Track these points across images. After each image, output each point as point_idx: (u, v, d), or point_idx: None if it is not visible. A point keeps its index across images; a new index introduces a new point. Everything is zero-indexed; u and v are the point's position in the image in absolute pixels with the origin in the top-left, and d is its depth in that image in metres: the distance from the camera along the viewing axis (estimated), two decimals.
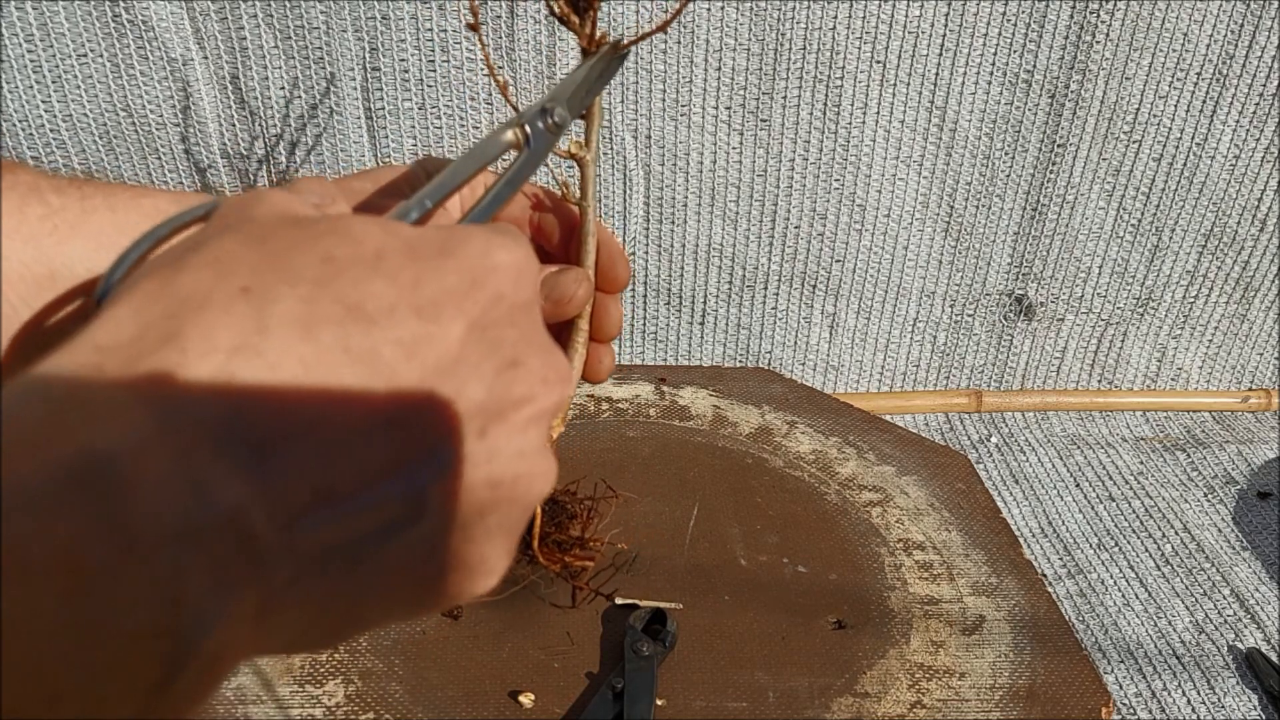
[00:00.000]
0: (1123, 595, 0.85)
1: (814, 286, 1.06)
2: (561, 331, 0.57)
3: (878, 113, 0.98)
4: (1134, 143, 1.00)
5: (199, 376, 0.25)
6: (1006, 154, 1.01)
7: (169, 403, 0.25)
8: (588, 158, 0.54)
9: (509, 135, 0.48)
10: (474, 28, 0.52)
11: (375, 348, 0.27)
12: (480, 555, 0.31)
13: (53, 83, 0.90)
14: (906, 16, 0.93)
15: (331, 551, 0.27)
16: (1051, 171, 1.01)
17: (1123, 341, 1.11)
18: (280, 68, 0.92)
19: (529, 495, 0.32)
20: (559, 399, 0.32)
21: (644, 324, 1.06)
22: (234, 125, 0.95)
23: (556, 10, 0.50)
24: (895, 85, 0.96)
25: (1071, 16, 0.94)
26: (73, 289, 0.44)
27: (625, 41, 0.53)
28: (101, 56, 0.90)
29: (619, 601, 0.72)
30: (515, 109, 0.53)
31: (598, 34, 0.50)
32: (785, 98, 0.96)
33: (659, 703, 0.65)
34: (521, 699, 0.64)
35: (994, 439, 1.06)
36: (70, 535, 0.22)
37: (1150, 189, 1.03)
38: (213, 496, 0.24)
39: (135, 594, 0.23)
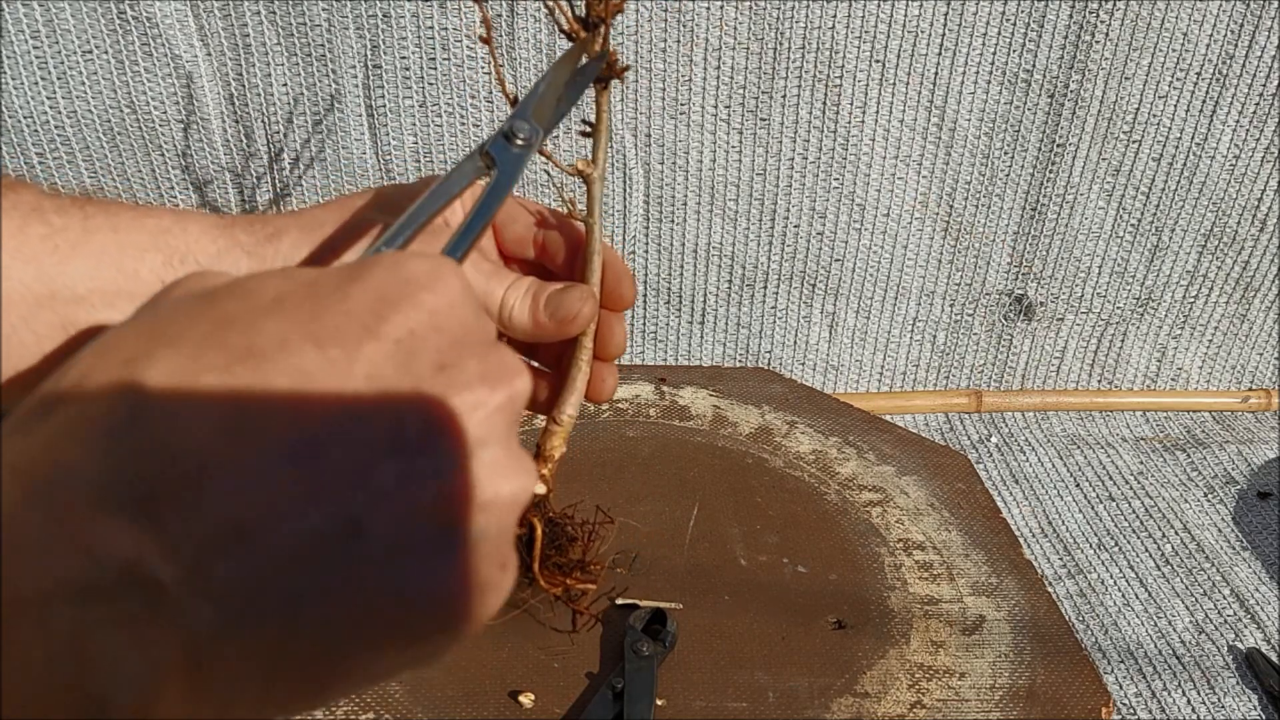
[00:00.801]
0: (1123, 595, 0.85)
1: (813, 286, 1.06)
2: (565, 350, 0.57)
3: (877, 112, 0.98)
4: (1134, 142, 1.00)
5: (72, 441, 0.25)
6: (1006, 153, 1.00)
7: (37, 470, 0.25)
8: (594, 175, 0.53)
9: (475, 163, 0.47)
10: (486, 40, 0.51)
11: (267, 382, 0.27)
12: (465, 576, 0.29)
13: (57, 79, 0.90)
14: (906, 16, 0.93)
15: (260, 591, 0.26)
16: (1051, 171, 1.01)
17: (1122, 341, 1.11)
18: (283, 65, 0.92)
19: (501, 502, 0.30)
20: (509, 395, 0.31)
21: (644, 323, 1.06)
22: (237, 122, 0.95)
23: (565, 27, 0.50)
24: (895, 84, 0.96)
25: (1071, 16, 0.94)
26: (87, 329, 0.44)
27: (611, 57, 0.53)
28: (106, 54, 0.90)
29: (619, 601, 0.71)
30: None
31: (609, 51, 0.50)
32: (785, 97, 0.96)
33: (659, 703, 0.65)
34: (521, 699, 0.64)
35: (994, 439, 1.06)
36: None
37: (1150, 189, 1.03)
38: (102, 552, 0.24)
39: (37, 654, 0.23)
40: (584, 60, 0.52)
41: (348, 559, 0.27)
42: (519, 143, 0.48)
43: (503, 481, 0.30)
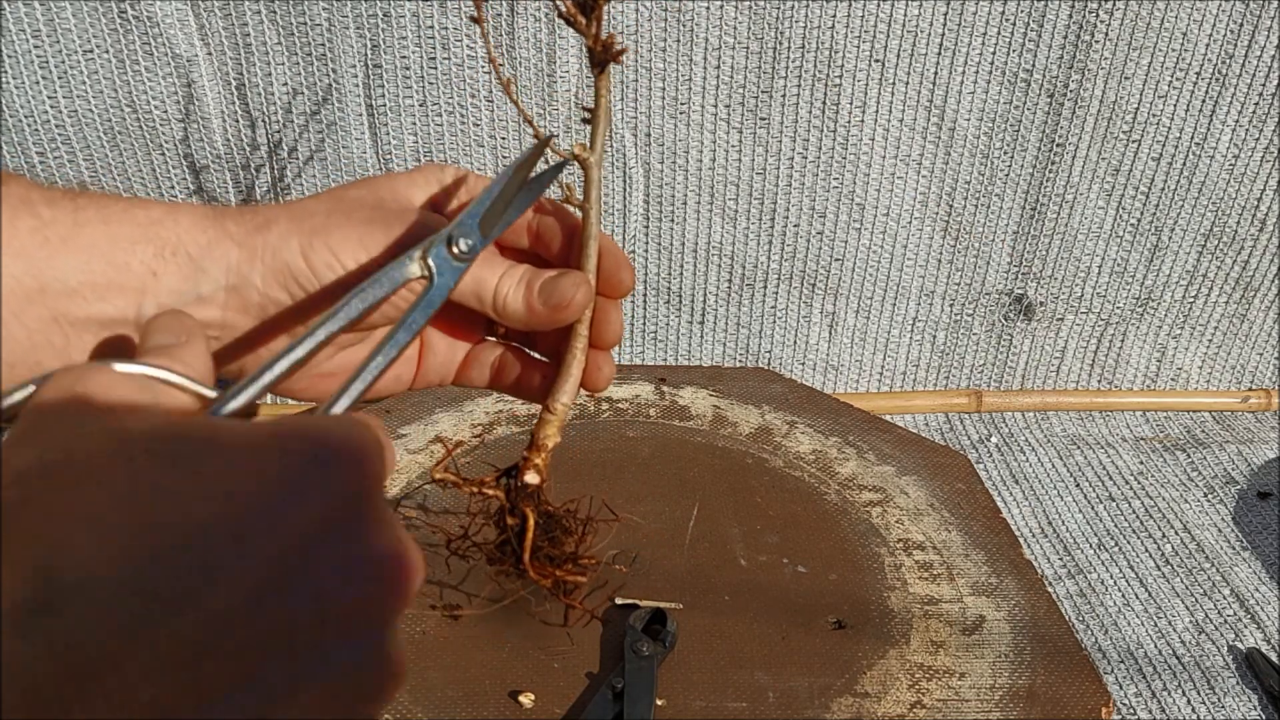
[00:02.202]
0: (1123, 595, 0.85)
1: (813, 285, 1.05)
2: (560, 338, 0.57)
3: (876, 111, 0.98)
4: (1133, 142, 1.00)
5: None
6: (1005, 153, 1.00)
7: None
8: (591, 160, 0.53)
9: (412, 267, 0.46)
10: (477, 20, 0.51)
11: (168, 583, 0.27)
12: None
13: (58, 79, 0.90)
14: (905, 15, 0.93)
15: None
16: (1051, 171, 1.01)
17: (1122, 341, 1.11)
18: (283, 64, 0.92)
19: (368, 697, 0.31)
20: (394, 592, 0.31)
21: (644, 323, 1.06)
22: (237, 121, 0.95)
23: (563, 10, 0.49)
24: (894, 84, 0.96)
25: (1071, 16, 0.94)
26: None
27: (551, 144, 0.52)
28: (107, 53, 0.90)
29: (619, 601, 0.71)
30: (517, 105, 0.53)
31: (604, 35, 0.49)
32: (784, 96, 0.96)
33: (659, 703, 0.65)
34: (521, 699, 0.64)
35: (994, 439, 1.06)
36: None
37: (1150, 188, 1.03)
38: None
39: None
40: (540, 167, 0.52)
41: None
42: (459, 252, 0.47)
43: (383, 674, 0.31)
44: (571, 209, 0.55)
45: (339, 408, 0.40)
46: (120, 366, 0.34)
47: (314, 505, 0.30)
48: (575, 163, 0.53)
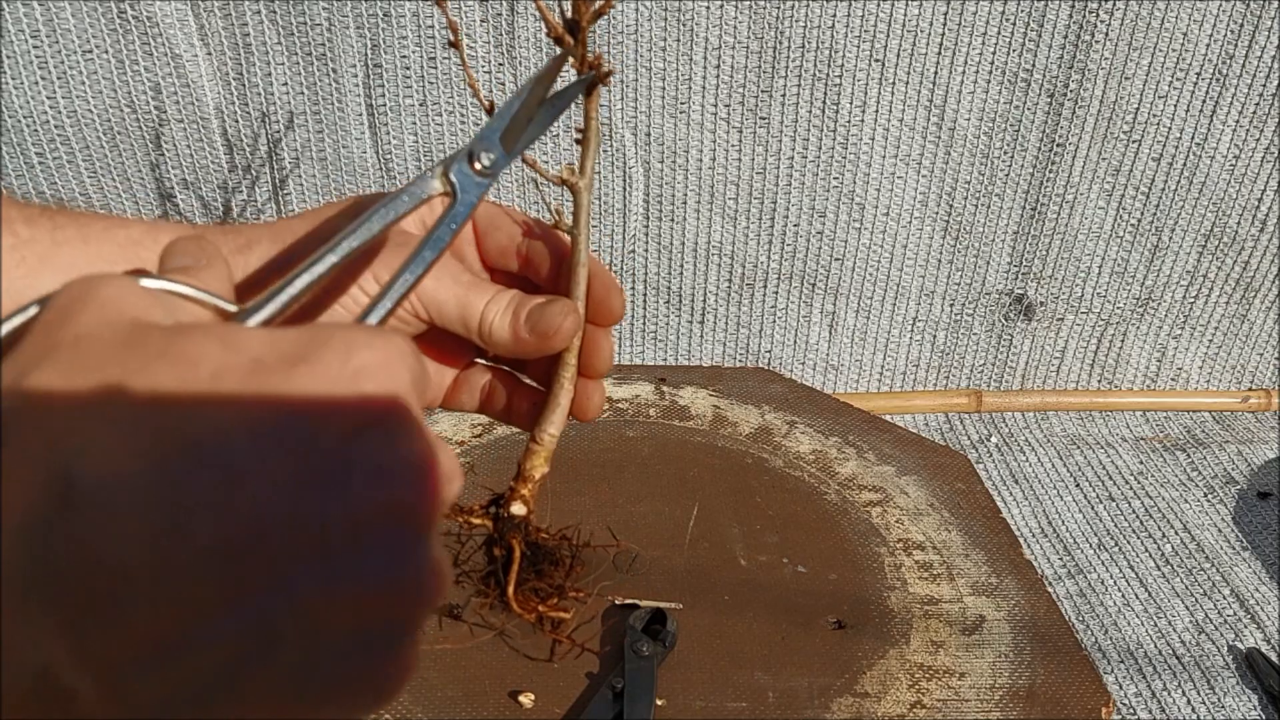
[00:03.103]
0: (1123, 595, 0.85)
1: (813, 285, 1.05)
2: (548, 366, 0.56)
3: (876, 111, 0.98)
4: (1134, 142, 1.00)
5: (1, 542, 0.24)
6: (1006, 153, 1.00)
7: None
8: (581, 185, 0.51)
9: (434, 183, 0.45)
10: (454, 45, 0.50)
11: (198, 478, 0.26)
12: (361, 675, 0.29)
13: (57, 79, 0.90)
14: (905, 15, 0.93)
15: (175, 702, 0.26)
16: (1051, 171, 1.01)
17: (1122, 341, 1.11)
18: (283, 64, 0.92)
19: (405, 607, 0.30)
20: (427, 497, 0.30)
21: (643, 323, 1.06)
22: (237, 122, 0.95)
23: (552, 34, 0.49)
24: (894, 84, 0.96)
25: (1071, 16, 0.94)
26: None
27: (597, 72, 0.50)
28: (106, 53, 0.90)
29: (619, 601, 0.71)
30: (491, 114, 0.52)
31: (589, 57, 0.48)
32: (784, 96, 0.96)
33: (659, 703, 0.65)
34: (521, 699, 0.64)
35: (994, 439, 1.06)
36: None
37: (1150, 189, 1.03)
38: (20, 654, 0.24)
39: None
40: (561, 82, 0.50)
41: (265, 666, 0.27)
42: (481, 168, 0.45)
43: (412, 588, 0.29)
44: (561, 234, 0.53)
45: (372, 322, 0.39)
46: (141, 280, 0.32)
47: (345, 407, 0.29)
48: (565, 188, 0.52)
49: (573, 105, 0.50)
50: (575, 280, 0.52)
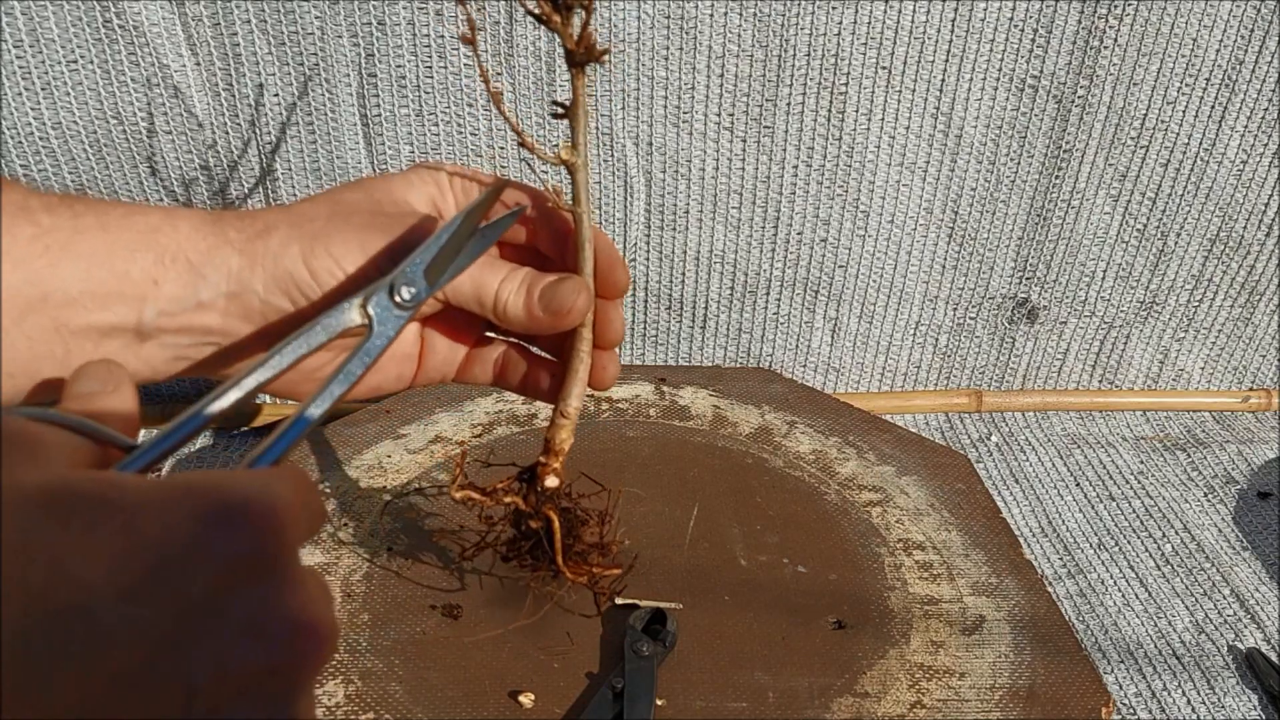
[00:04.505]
0: (1123, 595, 0.85)
1: (816, 292, 1.06)
2: (564, 341, 0.57)
3: (882, 119, 0.98)
4: (1141, 148, 1.01)
5: None
6: (1012, 159, 1.01)
7: None
8: (578, 162, 0.52)
9: (352, 315, 0.45)
10: (469, 40, 0.50)
11: (60, 641, 0.26)
12: None
13: (41, 90, 0.89)
14: (912, 22, 0.93)
15: None
16: (1057, 177, 1.02)
17: (1125, 344, 1.12)
18: (274, 74, 0.91)
19: None
20: (300, 657, 0.30)
21: (644, 328, 1.07)
22: (227, 133, 0.93)
23: (535, 10, 0.48)
24: (900, 91, 0.96)
25: (1079, 22, 0.94)
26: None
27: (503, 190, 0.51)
28: (92, 63, 0.88)
29: (619, 601, 0.72)
30: (507, 118, 0.53)
31: (585, 34, 0.48)
32: (789, 104, 0.96)
33: (659, 703, 0.65)
34: (521, 699, 0.65)
35: (994, 439, 1.06)
36: None
37: (1157, 194, 1.03)
38: None
39: None
40: (492, 218, 0.51)
41: None
42: (400, 300, 0.46)
43: None
44: (564, 214, 0.55)
45: (266, 462, 0.39)
46: (27, 412, 0.33)
47: (215, 566, 0.29)
48: (563, 167, 0.53)
49: (559, 83, 0.49)
50: (583, 257, 0.54)
